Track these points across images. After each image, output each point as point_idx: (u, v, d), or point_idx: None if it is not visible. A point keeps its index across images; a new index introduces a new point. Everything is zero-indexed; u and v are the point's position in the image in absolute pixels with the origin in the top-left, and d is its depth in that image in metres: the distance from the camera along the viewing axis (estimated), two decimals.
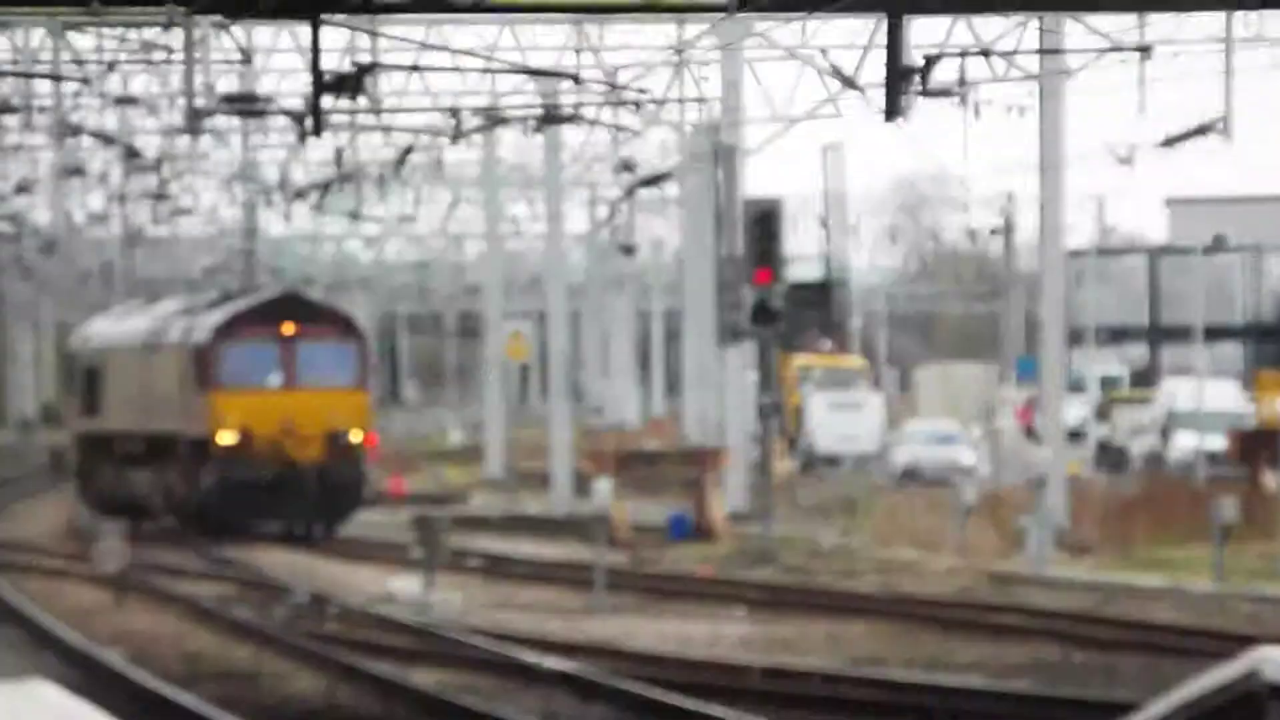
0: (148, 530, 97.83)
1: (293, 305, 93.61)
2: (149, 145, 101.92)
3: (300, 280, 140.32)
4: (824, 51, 73.02)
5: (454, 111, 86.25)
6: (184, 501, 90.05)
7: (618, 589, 70.26)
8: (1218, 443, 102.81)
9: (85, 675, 51.52)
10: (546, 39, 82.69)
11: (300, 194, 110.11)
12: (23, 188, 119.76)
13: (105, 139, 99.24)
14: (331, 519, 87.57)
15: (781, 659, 56.66)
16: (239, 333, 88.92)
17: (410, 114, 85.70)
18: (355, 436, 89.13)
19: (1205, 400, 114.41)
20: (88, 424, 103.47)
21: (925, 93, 60.54)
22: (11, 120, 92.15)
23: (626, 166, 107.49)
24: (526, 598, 71.40)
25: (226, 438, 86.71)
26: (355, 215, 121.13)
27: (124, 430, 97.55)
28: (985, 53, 68.51)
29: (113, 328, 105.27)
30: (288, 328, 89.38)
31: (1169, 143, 75.02)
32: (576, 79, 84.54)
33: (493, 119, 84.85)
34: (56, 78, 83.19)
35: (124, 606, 71.10)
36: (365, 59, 63.28)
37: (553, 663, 55.68)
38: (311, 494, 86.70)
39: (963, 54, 65.94)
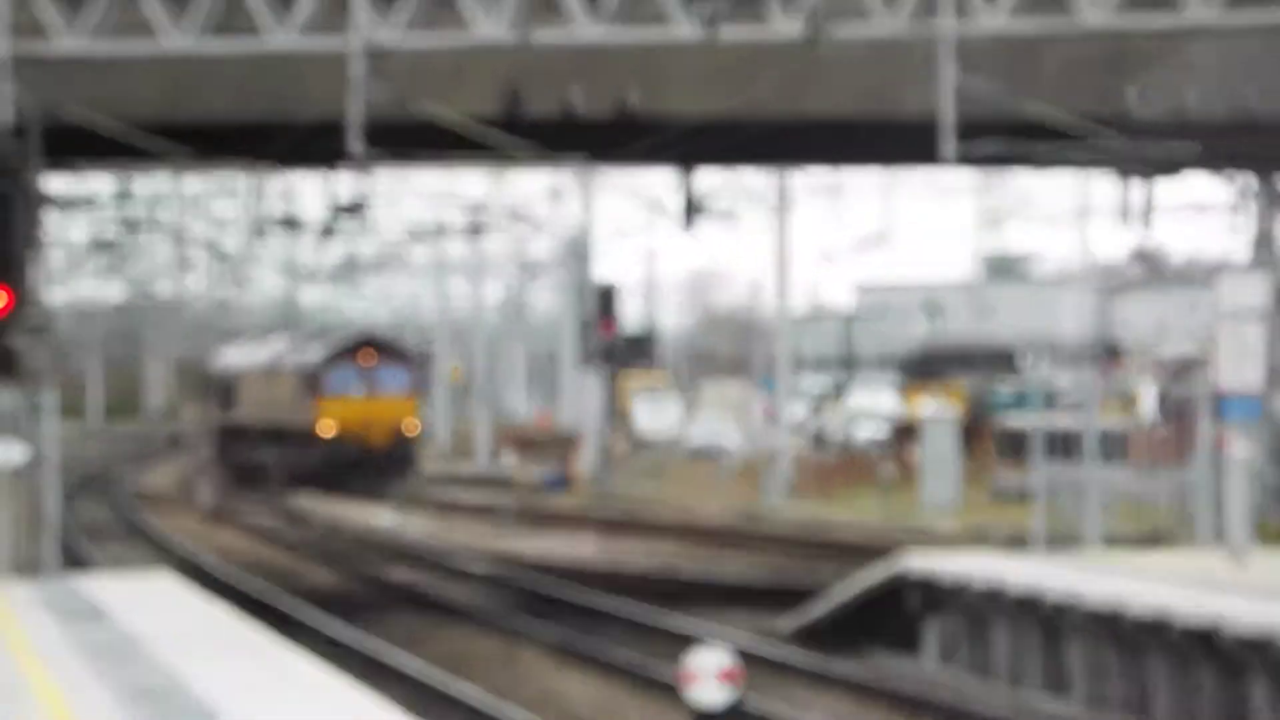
0: (232, 484, 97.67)
1: (369, 343, 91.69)
2: (231, 246, 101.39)
3: (319, 329, 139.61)
4: (645, 189, 73.09)
5: (417, 226, 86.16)
6: (296, 469, 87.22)
7: (518, 521, 70.19)
8: (883, 431, 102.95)
9: (193, 572, 51.34)
10: (475, 181, 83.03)
11: (326, 275, 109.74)
12: (156, 275, 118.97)
13: (206, 244, 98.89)
14: (393, 483, 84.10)
15: (617, 562, 56.63)
16: (336, 361, 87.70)
17: (390, 227, 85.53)
18: (409, 430, 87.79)
19: (876, 404, 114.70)
20: (224, 419, 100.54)
21: (708, 216, 60.33)
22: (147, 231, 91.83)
23: (523, 262, 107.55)
24: (462, 526, 71.26)
25: (328, 429, 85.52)
26: (357, 287, 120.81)
27: (252, 423, 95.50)
28: (745, 192, 68.36)
29: (239, 356, 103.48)
30: (367, 358, 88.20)
31: (855, 249, 74.91)
32: (491, 208, 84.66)
33: (441, 230, 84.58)
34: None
35: (215, 529, 70.91)
36: (363, 193, 62.91)
37: (477, 566, 55.70)
38: (381, 466, 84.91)
39: (731, 193, 65.71)
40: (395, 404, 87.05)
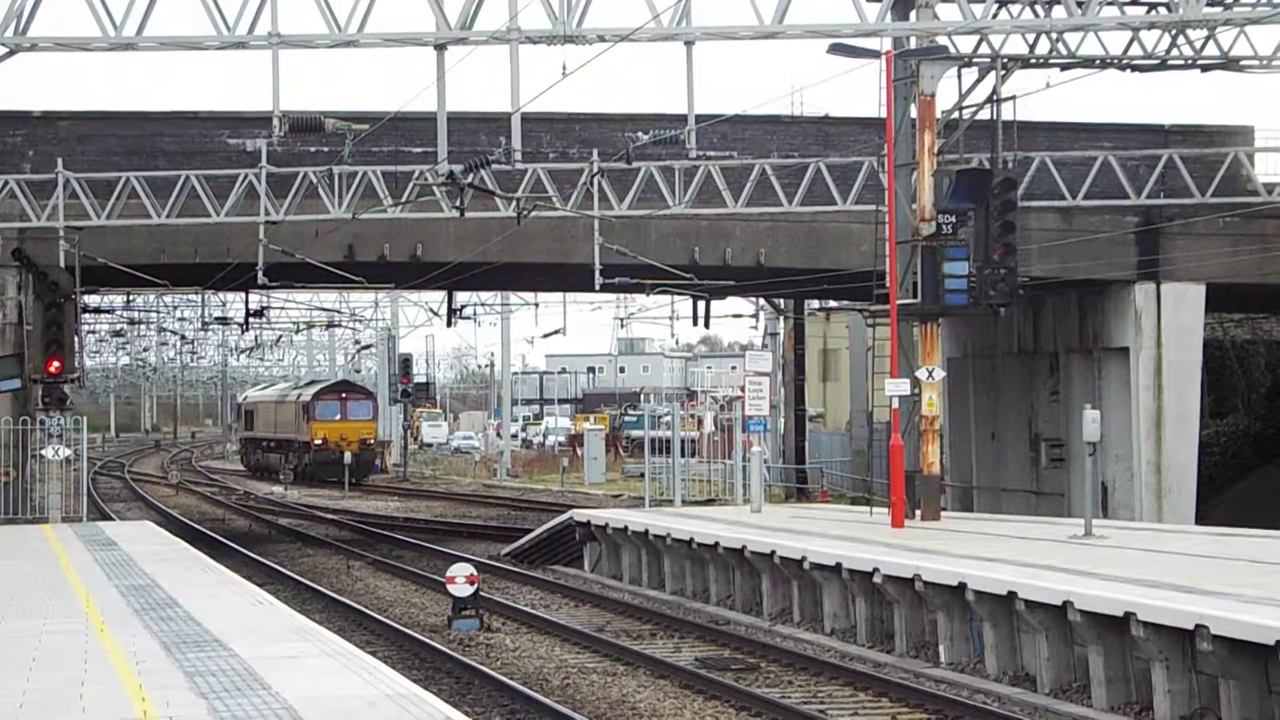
0: (192, 470, 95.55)
1: (345, 385, 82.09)
2: (190, 334, 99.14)
3: (235, 382, 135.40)
4: (427, 302, 72.76)
5: (298, 323, 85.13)
6: (295, 467, 77.62)
7: (354, 489, 69.33)
8: (562, 438, 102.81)
9: (164, 520, 50.33)
10: (330, 297, 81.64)
11: (243, 350, 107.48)
12: (146, 350, 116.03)
13: (175, 333, 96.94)
14: (361, 477, 75.12)
15: (409, 514, 56.16)
16: (323, 396, 77.96)
17: (281, 322, 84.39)
18: (370, 441, 78.30)
19: (559, 424, 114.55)
20: (247, 434, 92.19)
21: (461, 316, 60.10)
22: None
23: (359, 343, 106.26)
24: (321, 493, 70.25)
25: (317, 441, 76.21)
26: (262, 358, 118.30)
27: (265, 437, 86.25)
28: (484, 305, 68.44)
29: (257, 394, 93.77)
30: (343, 394, 78.49)
31: (546, 336, 75.20)
32: (338, 312, 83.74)
33: (309, 324, 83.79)
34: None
35: (178, 494, 69.53)
36: (265, 303, 62.13)
37: (330, 515, 55.00)
38: (352, 467, 73.32)
39: (475, 305, 65.69)
40: (361, 425, 77.73)
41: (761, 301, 58.85)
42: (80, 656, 15.66)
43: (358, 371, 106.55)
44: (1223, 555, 23.37)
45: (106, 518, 49.60)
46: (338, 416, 77.26)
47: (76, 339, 35.37)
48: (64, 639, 16.86)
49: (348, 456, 71.26)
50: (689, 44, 30.80)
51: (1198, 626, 16.83)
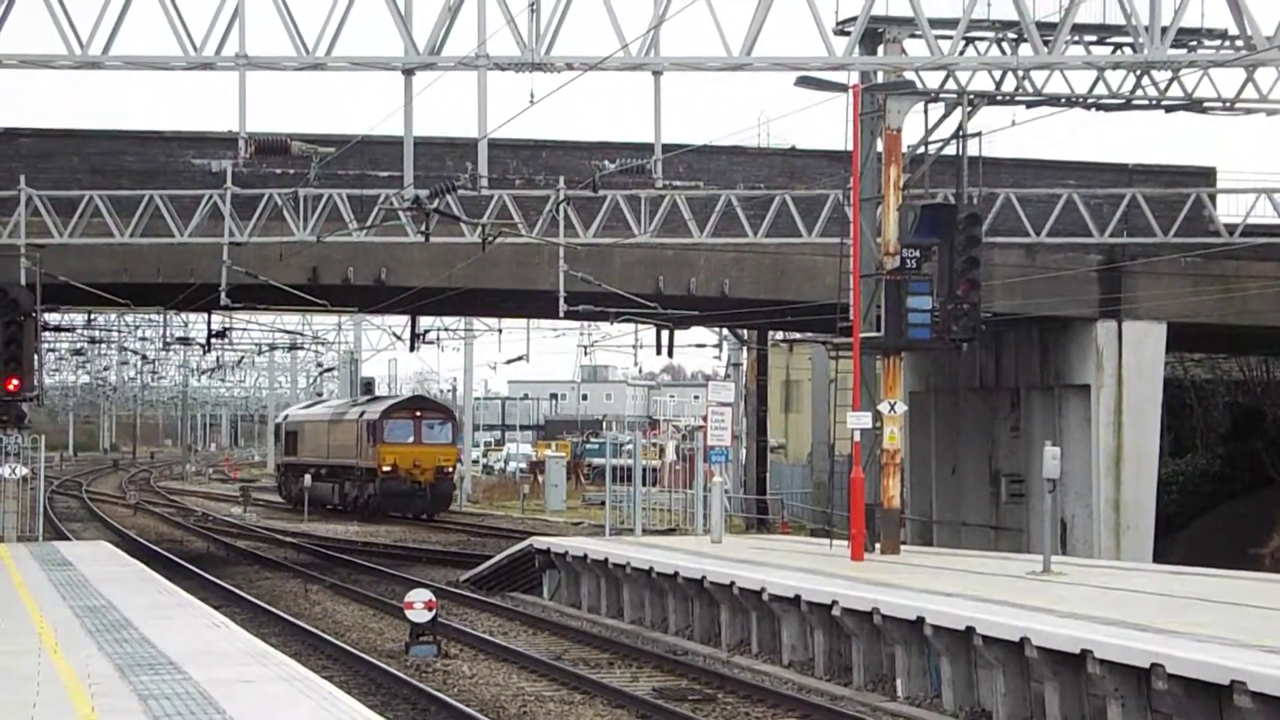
0: (151, 491, 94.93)
1: (419, 401, 73.02)
2: (151, 353, 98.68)
3: (195, 403, 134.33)
4: (391, 325, 72.43)
5: (260, 345, 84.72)
6: (357, 499, 68.38)
7: (312, 514, 68.81)
8: (524, 465, 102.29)
9: (121, 540, 49.93)
10: (293, 319, 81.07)
11: (204, 371, 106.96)
12: (106, 369, 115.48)
13: (136, 352, 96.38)
14: (437, 511, 66.55)
15: (369, 538, 55.89)
16: (393, 414, 67.09)
17: (244, 343, 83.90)
18: (449, 469, 67.41)
19: (520, 450, 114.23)
20: (287, 459, 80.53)
21: (424, 341, 59.82)
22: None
23: (321, 365, 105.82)
24: (279, 517, 69.81)
25: (386, 468, 65.41)
26: (224, 379, 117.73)
27: (314, 462, 74.07)
28: (448, 330, 68.26)
29: (300, 413, 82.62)
30: (417, 412, 67.58)
31: (509, 362, 74.84)
32: (301, 334, 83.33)
33: (271, 346, 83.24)
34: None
35: (136, 515, 69.07)
36: (227, 325, 61.81)
37: (288, 538, 54.67)
38: (428, 498, 65.77)
39: (437, 328, 65.49)
40: (438, 449, 66.86)
41: (725, 332, 58.92)
42: (33, 678, 15.55)
43: (319, 395, 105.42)
44: (1179, 593, 23.45)
45: (63, 537, 49.31)
46: (411, 439, 67.21)
47: (36, 357, 35.21)
48: (16, 660, 16.74)
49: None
50: (657, 74, 30.87)
51: (1154, 665, 16.86)
